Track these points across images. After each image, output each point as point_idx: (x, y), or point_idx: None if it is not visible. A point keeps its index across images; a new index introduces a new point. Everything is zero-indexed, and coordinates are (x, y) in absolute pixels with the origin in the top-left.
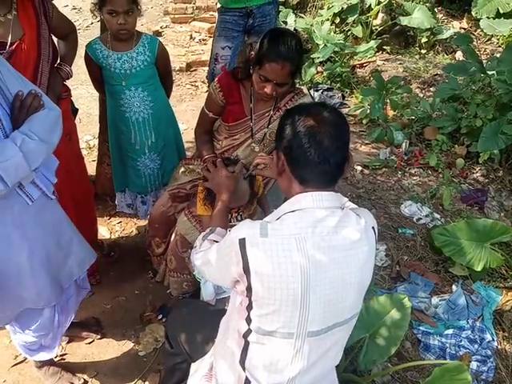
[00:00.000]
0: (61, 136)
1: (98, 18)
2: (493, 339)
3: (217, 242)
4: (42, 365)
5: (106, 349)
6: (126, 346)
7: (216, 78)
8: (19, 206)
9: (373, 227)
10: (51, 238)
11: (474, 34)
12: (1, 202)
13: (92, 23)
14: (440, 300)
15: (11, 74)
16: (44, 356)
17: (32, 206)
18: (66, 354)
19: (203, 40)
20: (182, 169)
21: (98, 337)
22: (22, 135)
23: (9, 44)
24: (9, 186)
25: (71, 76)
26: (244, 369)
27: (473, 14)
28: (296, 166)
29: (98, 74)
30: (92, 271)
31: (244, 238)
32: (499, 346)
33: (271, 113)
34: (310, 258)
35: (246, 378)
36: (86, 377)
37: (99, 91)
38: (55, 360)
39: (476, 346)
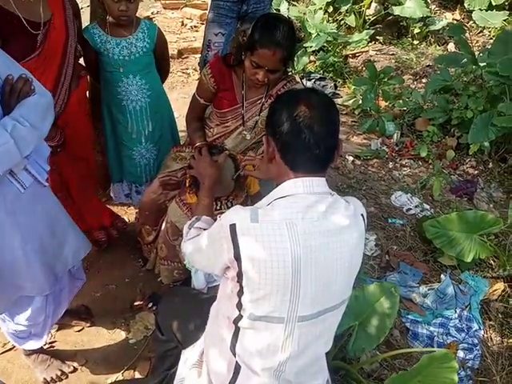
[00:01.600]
0: (51, 122)
1: (88, 3)
2: (479, 328)
3: (204, 229)
4: (31, 353)
5: (96, 337)
6: (116, 333)
7: (207, 64)
8: (11, 193)
9: (362, 214)
10: (45, 226)
11: (466, 26)
12: None
13: (82, 8)
14: (428, 289)
15: (0, 57)
16: (33, 345)
17: (24, 193)
18: (55, 342)
19: (195, 27)
20: (174, 156)
21: (88, 325)
22: (13, 121)
23: (42, 24)
24: (0, 173)
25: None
26: (235, 354)
27: (465, 5)
28: (286, 152)
29: (94, 60)
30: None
31: (235, 224)
32: (485, 335)
33: (263, 100)
34: (300, 243)
35: (237, 364)
36: (75, 364)
37: (93, 78)
38: (44, 348)
39: (463, 334)
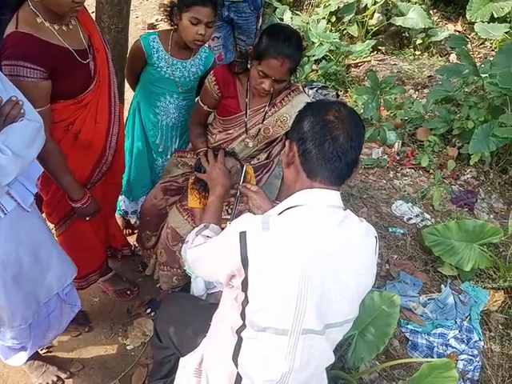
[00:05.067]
0: (40, 149)
1: (93, 10)
2: (479, 339)
3: (210, 237)
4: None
5: (93, 342)
6: (114, 339)
7: (212, 71)
8: None
9: (375, 236)
10: (27, 251)
11: (468, 37)
12: None
13: None
14: (428, 299)
15: None
16: (16, 360)
17: (5, 217)
18: (52, 347)
19: None
20: (175, 161)
21: (86, 330)
22: None
23: (88, 49)
24: None
25: None
26: (236, 365)
27: (467, 17)
28: (307, 158)
29: (139, 69)
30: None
31: (245, 232)
32: (485, 346)
33: (266, 109)
34: (309, 255)
35: (238, 374)
36: (72, 370)
37: (131, 84)
38: (41, 353)
39: (463, 345)
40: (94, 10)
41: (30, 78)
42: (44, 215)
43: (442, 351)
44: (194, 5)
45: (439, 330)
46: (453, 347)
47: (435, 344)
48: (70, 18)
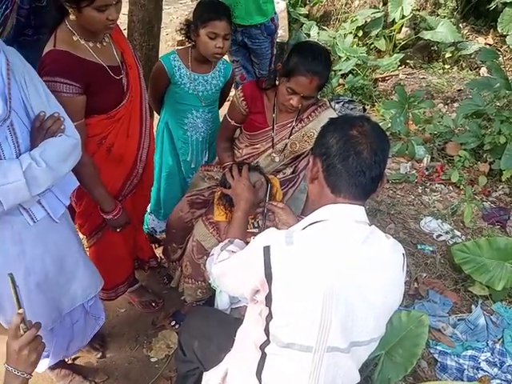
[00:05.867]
0: (74, 165)
1: (125, 27)
2: None
3: (235, 252)
4: (54, 367)
5: (117, 353)
6: (138, 351)
7: (240, 87)
8: (19, 223)
9: (403, 254)
10: (53, 259)
11: (499, 50)
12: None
13: None
14: (458, 320)
15: (36, 92)
16: (41, 365)
17: (34, 225)
18: (78, 357)
19: None
20: (201, 175)
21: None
22: (30, 160)
23: (120, 66)
24: (4, 208)
25: None
26: (260, 381)
27: (499, 29)
28: (331, 174)
29: (163, 89)
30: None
31: (269, 246)
32: None
33: (293, 124)
34: (334, 270)
35: None
36: (96, 380)
37: (155, 107)
38: (67, 362)
39: (495, 369)
40: (125, 27)
41: (66, 93)
42: (76, 226)
43: (472, 374)
44: (211, 20)
45: (469, 352)
46: (484, 371)
47: (465, 366)
48: (104, 35)
